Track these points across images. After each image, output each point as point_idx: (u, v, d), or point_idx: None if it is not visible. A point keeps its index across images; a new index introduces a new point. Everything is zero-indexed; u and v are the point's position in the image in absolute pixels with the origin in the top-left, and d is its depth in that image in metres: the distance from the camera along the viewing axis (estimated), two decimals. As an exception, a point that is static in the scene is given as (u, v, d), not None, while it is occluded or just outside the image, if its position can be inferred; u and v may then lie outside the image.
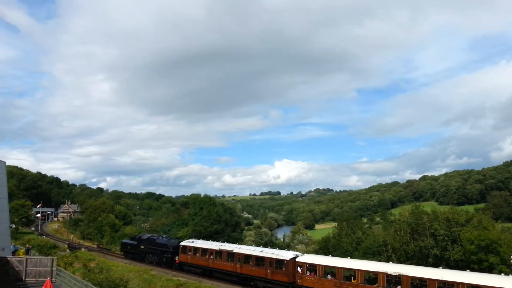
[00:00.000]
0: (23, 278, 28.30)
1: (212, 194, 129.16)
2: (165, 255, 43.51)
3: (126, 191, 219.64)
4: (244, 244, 54.12)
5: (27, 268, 28.71)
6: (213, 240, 44.66)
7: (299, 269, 30.34)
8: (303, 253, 34.90)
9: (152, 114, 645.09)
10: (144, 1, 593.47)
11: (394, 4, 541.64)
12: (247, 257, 34.54)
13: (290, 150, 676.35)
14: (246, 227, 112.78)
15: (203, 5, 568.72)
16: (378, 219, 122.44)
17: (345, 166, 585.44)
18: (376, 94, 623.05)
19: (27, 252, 40.14)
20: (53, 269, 29.51)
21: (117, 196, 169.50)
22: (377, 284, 25.28)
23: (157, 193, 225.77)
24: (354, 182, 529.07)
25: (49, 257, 32.56)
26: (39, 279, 27.92)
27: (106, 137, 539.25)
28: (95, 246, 68.12)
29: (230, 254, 36.06)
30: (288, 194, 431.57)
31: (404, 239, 45.18)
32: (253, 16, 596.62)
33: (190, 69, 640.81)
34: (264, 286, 32.75)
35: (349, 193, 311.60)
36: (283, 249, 46.30)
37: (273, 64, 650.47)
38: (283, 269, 31.16)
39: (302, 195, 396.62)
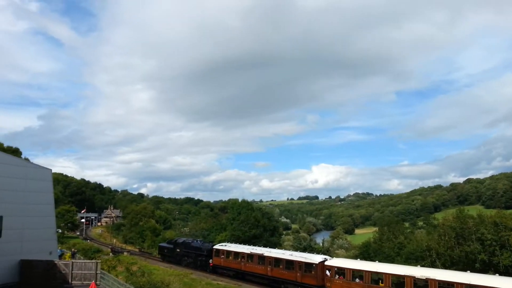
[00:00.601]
0: (70, 281, 28.86)
1: (249, 199, 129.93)
2: (200, 258, 44.68)
3: (166, 196, 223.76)
4: (283, 248, 53.40)
5: (73, 271, 29.26)
6: (252, 245, 45.26)
7: (327, 272, 30.81)
8: (332, 257, 35.15)
9: (190, 121, 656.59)
10: (181, 12, 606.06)
11: (432, 5, 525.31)
12: (277, 261, 35.36)
13: (327, 154, 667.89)
14: (284, 232, 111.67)
15: (238, 12, 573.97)
16: (420, 223, 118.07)
17: (385, 170, 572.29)
18: (416, 96, 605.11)
19: (72, 255, 41.25)
20: (97, 272, 29.95)
21: (157, 201, 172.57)
22: (405, 287, 25.38)
23: (196, 198, 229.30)
24: (395, 186, 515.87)
25: (93, 260, 33.12)
26: (84, 282, 28.43)
27: (146, 144, 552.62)
28: (137, 250, 69.36)
29: (261, 258, 36.87)
30: (327, 198, 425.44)
31: (449, 244, 43.15)
32: (288, 22, 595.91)
33: (226, 76, 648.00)
34: None
35: (390, 197, 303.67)
36: (322, 254, 45.59)
37: (309, 68, 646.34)
38: (312, 272, 31.73)
39: (341, 200, 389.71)
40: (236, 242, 49.84)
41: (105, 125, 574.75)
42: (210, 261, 42.96)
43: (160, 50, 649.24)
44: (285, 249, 53.46)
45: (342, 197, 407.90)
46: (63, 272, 29.04)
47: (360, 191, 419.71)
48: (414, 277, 25.20)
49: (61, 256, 36.03)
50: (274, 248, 45.81)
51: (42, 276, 28.02)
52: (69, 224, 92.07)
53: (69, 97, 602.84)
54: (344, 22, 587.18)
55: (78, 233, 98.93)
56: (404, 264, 33.79)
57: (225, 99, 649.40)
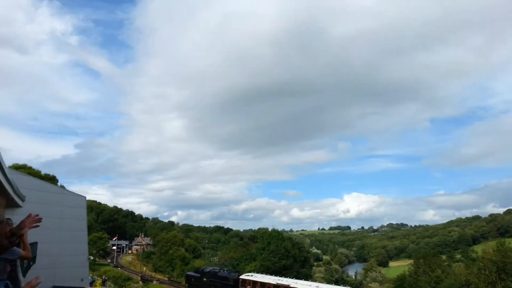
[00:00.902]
0: (99, 309, 28.84)
1: (279, 228, 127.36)
2: None
3: (196, 224, 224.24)
4: (315, 281, 52.00)
5: (102, 299, 29.28)
6: (282, 276, 44.66)
7: None
8: None
9: (221, 149, 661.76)
10: (212, 42, 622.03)
11: (468, 29, 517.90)
12: None
13: (359, 183, 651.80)
14: (315, 263, 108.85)
15: (268, 42, 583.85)
16: (458, 256, 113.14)
17: (420, 200, 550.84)
18: (451, 123, 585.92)
19: (103, 283, 41.43)
20: (126, 301, 29.84)
21: (187, 229, 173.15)
22: None
23: (225, 227, 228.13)
24: (431, 216, 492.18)
25: (123, 288, 33.07)
26: (113, 311, 28.32)
27: (177, 172, 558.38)
28: (166, 278, 69.06)
29: None
30: (359, 229, 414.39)
31: (490, 278, 40.99)
32: (318, 50, 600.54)
33: (257, 104, 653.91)
34: None
35: (425, 228, 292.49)
36: (355, 287, 44.26)
37: (340, 96, 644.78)
38: None
39: (374, 230, 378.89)
40: (265, 273, 48.95)
41: (139, 153, 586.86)
42: None
43: (192, 80, 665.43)
44: (317, 281, 52.12)
45: (375, 227, 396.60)
46: (94, 299, 29.12)
47: (394, 222, 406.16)
48: None
49: (92, 284, 36.24)
50: (306, 280, 45.02)
51: (73, 303, 28.19)
52: (100, 251, 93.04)
53: (105, 126, 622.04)
54: (375, 49, 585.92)
55: (109, 261, 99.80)
56: None
57: (255, 127, 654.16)
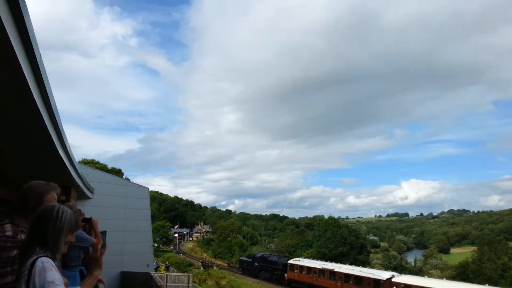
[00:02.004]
0: (164, 293, 30.17)
1: (335, 215, 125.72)
2: (276, 272, 46.81)
3: (252, 212, 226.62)
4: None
5: (167, 284, 30.60)
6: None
7: None
8: (398, 274, 35.04)
9: (275, 140, 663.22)
10: (264, 37, 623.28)
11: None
12: (347, 276, 36.33)
13: (418, 170, 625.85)
14: (372, 250, 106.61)
15: (321, 32, 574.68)
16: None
17: (483, 185, 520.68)
18: None
19: (166, 268, 43.17)
20: (189, 285, 30.99)
21: (244, 217, 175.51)
22: None
23: (281, 215, 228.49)
24: (495, 202, 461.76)
25: (186, 274, 34.36)
26: (177, 295, 29.51)
27: (234, 163, 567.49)
28: (225, 264, 70.76)
29: (332, 273, 38.11)
30: (418, 215, 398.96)
31: None
32: (373, 38, 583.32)
33: (310, 95, 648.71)
34: None
35: (490, 214, 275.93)
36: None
37: (396, 82, 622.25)
38: None
39: (434, 217, 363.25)
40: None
41: (196, 146, 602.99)
42: (285, 275, 44.48)
43: (246, 74, 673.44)
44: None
45: (435, 214, 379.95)
46: (159, 284, 30.52)
47: (455, 208, 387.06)
48: None
49: (156, 269, 37.92)
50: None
51: (140, 287, 29.72)
52: (163, 239, 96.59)
53: (165, 122, 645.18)
54: (432, 33, 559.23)
55: (171, 247, 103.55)
56: None
57: (309, 117, 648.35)
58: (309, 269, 41.19)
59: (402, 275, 34.82)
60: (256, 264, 51.22)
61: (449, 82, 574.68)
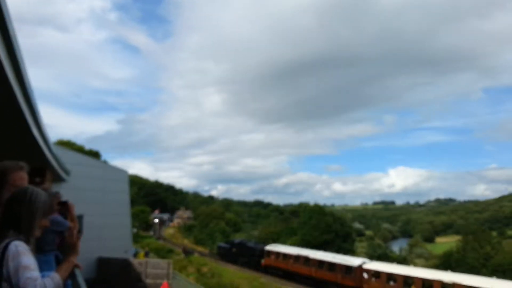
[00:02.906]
0: (144, 279, 30.08)
1: (321, 203, 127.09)
2: (253, 258, 47.57)
3: (236, 198, 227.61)
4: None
5: (147, 270, 30.49)
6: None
7: (365, 275, 32.60)
8: (369, 260, 36.73)
9: (261, 123, 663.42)
10: (254, 14, 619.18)
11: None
12: (321, 263, 37.39)
13: (406, 157, 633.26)
14: (358, 238, 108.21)
15: (314, 12, 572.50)
16: (510, 232, 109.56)
17: (470, 174, 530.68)
18: (507, 93, 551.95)
19: (146, 255, 43.01)
20: (169, 272, 30.95)
21: (227, 203, 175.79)
22: None
23: (265, 201, 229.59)
24: (481, 191, 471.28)
25: (166, 260, 34.28)
26: (157, 281, 29.47)
27: (217, 147, 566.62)
28: (207, 251, 70.98)
29: (307, 259, 38.96)
30: (404, 204, 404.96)
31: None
32: (367, 20, 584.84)
33: (299, 77, 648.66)
34: None
35: (476, 203, 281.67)
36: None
37: (387, 67, 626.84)
38: (352, 274, 33.62)
39: (420, 205, 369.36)
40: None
41: (178, 128, 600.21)
42: (262, 261, 45.43)
43: (232, 53, 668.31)
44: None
45: (421, 202, 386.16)
46: (138, 270, 30.38)
47: (442, 197, 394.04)
48: (442, 281, 26.82)
49: (135, 255, 37.69)
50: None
51: (117, 273, 29.53)
52: (143, 224, 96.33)
53: (146, 102, 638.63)
54: (427, 17, 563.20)
55: (151, 233, 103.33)
56: (491, 277, 31.60)
57: (297, 100, 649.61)
58: (285, 255, 42.24)
59: (373, 261, 36.39)
60: (234, 250, 52.10)
61: (441, 68, 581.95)
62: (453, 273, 31.03)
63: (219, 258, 56.05)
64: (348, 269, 34.22)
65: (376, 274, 31.79)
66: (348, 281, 33.79)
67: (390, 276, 30.63)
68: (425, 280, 28.06)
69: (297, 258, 40.45)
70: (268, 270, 44.23)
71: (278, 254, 43.45)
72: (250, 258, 48.15)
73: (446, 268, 46.58)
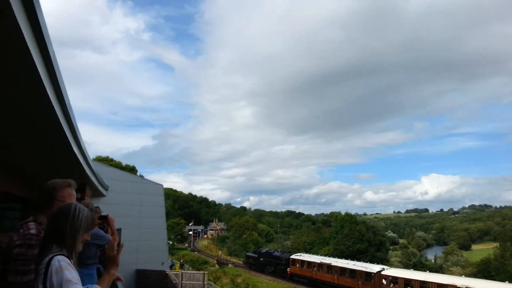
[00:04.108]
0: (180, 290, 30.33)
1: (352, 212, 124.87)
2: (279, 267, 49.06)
3: (267, 209, 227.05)
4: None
5: (182, 282, 30.75)
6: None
7: (384, 281, 33.91)
8: (387, 267, 37.73)
9: (290, 135, 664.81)
10: (279, 29, 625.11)
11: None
12: (342, 270, 38.94)
13: (438, 164, 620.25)
14: (391, 247, 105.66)
15: (338, 23, 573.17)
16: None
17: (505, 179, 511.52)
18: None
19: (181, 266, 43.43)
20: (205, 283, 31.10)
21: (259, 214, 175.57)
22: None
23: (297, 211, 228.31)
24: None
25: (201, 271, 34.49)
26: (193, 292, 29.63)
27: (249, 159, 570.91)
28: (241, 262, 70.92)
29: (329, 267, 40.63)
30: (438, 211, 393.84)
31: None
32: (391, 28, 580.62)
33: (326, 88, 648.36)
34: None
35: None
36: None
37: (414, 74, 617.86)
38: (372, 281, 35.04)
39: (455, 212, 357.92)
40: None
41: (211, 142, 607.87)
42: (288, 269, 46.84)
43: (260, 67, 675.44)
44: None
45: (455, 209, 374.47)
46: (174, 282, 30.69)
47: (476, 203, 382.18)
48: (456, 285, 27.79)
49: (171, 267, 38.13)
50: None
51: (154, 285, 29.92)
52: (178, 236, 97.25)
53: (179, 117, 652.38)
54: (453, 23, 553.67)
55: (186, 245, 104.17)
56: None
57: (325, 111, 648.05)
58: (309, 263, 43.72)
59: (392, 268, 38.13)
60: (262, 259, 53.55)
61: (469, 73, 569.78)
62: (467, 278, 32.74)
63: (247, 267, 57.23)
64: (368, 275, 35.79)
65: (394, 280, 33.24)
66: (368, 287, 35.43)
67: (408, 282, 31.99)
68: (440, 285, 29.17)
69: (320, 266, 41.93)
70: (294, 278, 45.38)
71: (302, 262, 44.94)
72: (277, 266, 49.53)
73: (484, 276, 44.92)
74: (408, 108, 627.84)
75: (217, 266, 60.13)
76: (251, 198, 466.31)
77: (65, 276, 2.12)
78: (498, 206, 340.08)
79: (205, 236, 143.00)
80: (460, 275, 43.16)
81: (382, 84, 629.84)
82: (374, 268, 36.43)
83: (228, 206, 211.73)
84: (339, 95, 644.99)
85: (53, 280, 2.11)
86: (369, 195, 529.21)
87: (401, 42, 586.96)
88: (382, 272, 34.69)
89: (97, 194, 17.79)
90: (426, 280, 30.61)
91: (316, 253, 65.22)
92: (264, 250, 57.13)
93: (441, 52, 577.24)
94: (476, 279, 32.86)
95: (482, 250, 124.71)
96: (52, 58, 3.90)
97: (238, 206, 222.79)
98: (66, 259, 2.24)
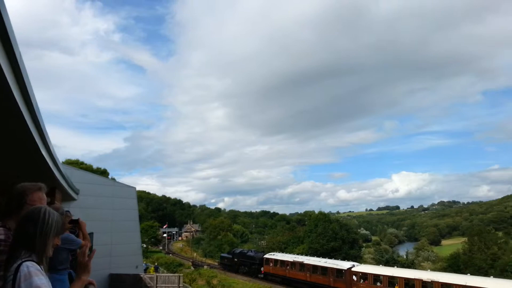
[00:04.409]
0: (155, 294, 29.99)
1: (326, 210, 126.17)
2: (253, 266, 49.74)
3: (242, 210, 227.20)
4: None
5: (157, 285, 30.42)
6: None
7: (354, 277, 35.02)
8: (358, 264, 39.20)
9: (264, 135, 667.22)
10: (252, 29, 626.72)
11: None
12: (314, 267, 39.85)
13: (408, 162, 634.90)
14: (364, 244, 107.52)
15: (310, 24, 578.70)
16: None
17: (472, 176, 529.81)
18: (506, 94, 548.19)
19: (156, 269, 42.91)
20: (180, 285, 30.87)
21: (234, 215, 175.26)
22: None
23: (272, 211, 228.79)
24: (485, 192, 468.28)
25: (176, 274, 34.18)
26: (168, 295, 29.36)
27: (222, 160, 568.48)
28: (216, 263, 70.62)
29: (302, 265, 41.35)
30: (409, 208, 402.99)
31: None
32: (363, 30, 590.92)
33: (300, 88, 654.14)
34: None
35: (479, 204, 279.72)
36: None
37: (386, 74, 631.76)
38: (342, 277, 36.05)
39: (425, 209, 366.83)
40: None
41: (184, 143, 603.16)
42: (262, 269, 47.50)
43: (234, 68, 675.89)
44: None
45: (425, 206, 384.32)
46: (149, 285, 30.31)
47: (445, 199, 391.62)
48: (422, 280, 29.46)
49: (146, 270, 37.65)
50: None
51: (129, 289, 29.46)
52: (152, 239, 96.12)
53: (152, 119, 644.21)
54: (422, 24, 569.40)
55: (161, 248, 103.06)
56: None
57: (299, 111, 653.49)
58: (282, 262, 44.43)
59: (362, 265, 39.32)
60: (236, 260, 54.11)
61: (438, 73, 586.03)
62: (432, 272, 34.35)
63: (222, 268, 57.48)
64: (339, 272, 36.77)
65: (364, 276, 34.47)
66: (339, 284, 36.32)
67: (376, 277, 33.29)
68: (407, 279, 30.68)
69: (293, 264, 42.62)
70: (268, 277, 45.87)
71: (276, 261, 45.62)
72: (251, 266, 50.01)
73: (454, 270, 46.40)
74: (380, 108, 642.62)
75: (192, 268, 59.70)
76: (226, 199, 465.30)
77: (34, 282, 2.06)
78: (466, 202, 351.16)
79: (180, 238, 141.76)
80: (431, 269, 44.46)
81: (355, 84, 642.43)
82: (344, 265, 37.33)
83: (203, 208, 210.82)
84: (314, 95, 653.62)
85: (22, 286, 2.05)
86: (342, 194, 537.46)
87: (373, 43, 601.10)
88: (353, 269, 35.78)
89: (68, 198, 17.37)
90: (393, 275, 31.97)
91: (291, 252, 65.79)
92: (238, 250, 57.66)
93: (412, 53, 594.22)
94: (441, 272, 35.01)
95: (452, 245, 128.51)
96: (18, 59, 3.80)
97: (213, 207, 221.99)
98: (36, 265, 2.17)
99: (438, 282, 28.24)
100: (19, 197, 2.81)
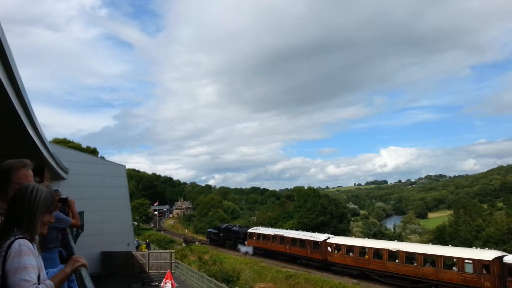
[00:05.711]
0: (147, 270, 30.37)
1: (315, 186, 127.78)
2: (238, 240, 52.17)
3: (232, 187, 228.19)
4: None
5: (149, 261, 30.76)
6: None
7: (329, 248, 37.61)
8: (332, 236, 41.20)
9: (254, 112, 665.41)
10: (243, 3, 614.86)
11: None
12: (293, 240, 42.30)
13: (397, 137, 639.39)
14: (353, 218, 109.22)
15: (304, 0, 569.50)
16: (500, 204, 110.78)
17: (459, 149, 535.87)
18: (493, 69, 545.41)
19: (147, 246, 43.28)
20: (172, 261, 31.25)
21: (224, 192, 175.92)
22: (382, 258, 32.30)
23: (262, 188, 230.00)
24: (471, 166, 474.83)
25: (168, 251, 34.55)
26: (160, 271, 29.78)
27: (212, 137, 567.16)
28: (207, 239, 71.36)
29: (282, 238, 43.86)
30: (396, 182, 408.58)
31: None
32: (355, 4, 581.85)
33: (291, 64, 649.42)
34: (305, 263, 40.33)
35: (465, 178, 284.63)
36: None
37: (377, 49, 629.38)
38: (319, 249, 38.64)
39: (412, 183, 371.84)
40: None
41: (174, 120, 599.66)
42: (245, 242, 49.91)
43: (224, 44, 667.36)
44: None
45: (413, 180, 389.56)
46: (141, 262, 30.64)
47: (432, 173, 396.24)
48: (389, 249, 32.09)
49: (137, 247, 37.95)
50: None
51: (121, 266, 29.77)
52: (143, 217, 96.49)
53: (141, 96, 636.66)
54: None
55: (152, 225, 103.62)
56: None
57: (290, 87, 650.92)
58: (264, 236, 46.92)
59: (336, 236, 41.33)
60: (222, 234, 56.61)
61: (429, 47, 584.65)
62: (397, 242, 37.39)
63: (209, 242, 59.67)
64: (315, 244, 39.23)
65: (338, 247, 36.94)
66: (316, 255, 38.91)
67: (349, 248, 35.65)
68: (376, 249, 33.21)
69: (274, 237, 45.04)
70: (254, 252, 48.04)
71: (258, 235, 48.14)
72: (236, 240, 52.77)
73: (440, 242, 47.49)
74: (370, 83, 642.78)
75: (184, 244, 60.30)
76: (216, 176, 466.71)
77: (22, 262, 2.05)
78: (452, 176, 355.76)
79: (171, 215, 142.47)
80: (418, 242, 45.81)
81: (346, 59, 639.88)
82: (320, 237, 39.71)
83: (193, 185, 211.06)
84: (304, 71, 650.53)
85: (8, 264, 2.04)
86: (331, 169, 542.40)
87: (364, 17, 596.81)
88: (328, 241, 38.23)
89: (57, 177, 17.31)
90: (364, 245, 34.61)
91: (281, 227, 66.64)
92: (223, 225, 60.50)
93: (403, 27, 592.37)
94: (407, 243, 39.38)
95: (438, 217, 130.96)
96: (1, 36, 3.72)
97: (203, 184, 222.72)
98: (29, 243, 2.16)
99: (402, 251, 30.88)
100: (4, 175, 2.78)
